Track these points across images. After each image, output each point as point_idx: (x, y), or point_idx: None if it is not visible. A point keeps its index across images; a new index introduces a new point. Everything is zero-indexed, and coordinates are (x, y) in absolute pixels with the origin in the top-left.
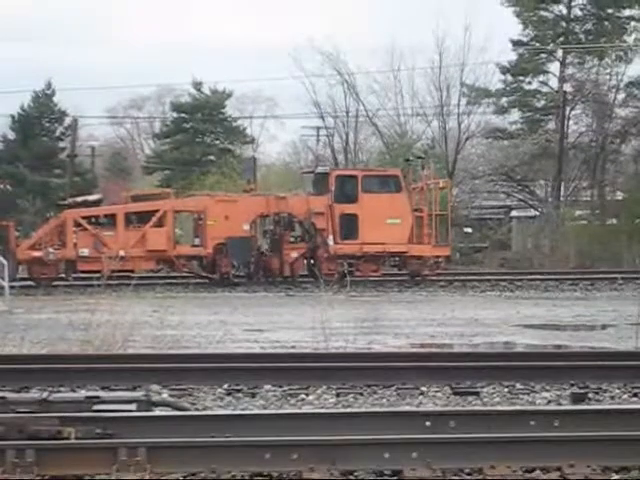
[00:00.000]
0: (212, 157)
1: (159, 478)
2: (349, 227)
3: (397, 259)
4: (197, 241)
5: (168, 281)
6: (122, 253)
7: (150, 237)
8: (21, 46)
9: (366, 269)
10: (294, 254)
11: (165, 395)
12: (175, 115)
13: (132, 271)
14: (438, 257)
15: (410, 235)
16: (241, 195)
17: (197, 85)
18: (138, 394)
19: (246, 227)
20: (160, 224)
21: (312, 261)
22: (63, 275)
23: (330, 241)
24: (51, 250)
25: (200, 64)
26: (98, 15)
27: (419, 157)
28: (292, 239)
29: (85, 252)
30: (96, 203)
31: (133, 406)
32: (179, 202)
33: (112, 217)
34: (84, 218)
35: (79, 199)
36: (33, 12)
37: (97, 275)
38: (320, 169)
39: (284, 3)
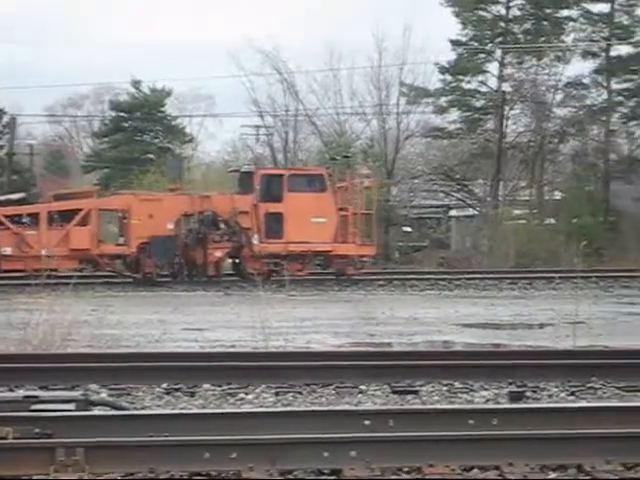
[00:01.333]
0: (151, 156)
1: (97, 478)
2: (274, 226)
3: (322, 258)
4: (121, 240)
5: (107, 280)
6: (45, 252)
7: (73, 236)
8: None
9: (291, 268)
10: (218, 253)
11: (104, 394)
12: (114, 114)
13: (56, 270)
14: (363, 256)
15: (335, 234)
16: (166, 194)
17: (136, 84)
18: (76, 394)
19: (170, 226)
20: (84, 223)
21: (237, 260)
22: None
23: (255, 240)
24: None
25: (140, 63)
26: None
27: (345, 156)
28: (217, 238)
29: (8, 251)
30: (19, 202)
31: (72, 406)
32: (103, 201)
33: (35, 216)
34: (6, 217)
35: (2, 198)
36: None
37: (36, 274)
38: (245, 168)
39: (225, 2)
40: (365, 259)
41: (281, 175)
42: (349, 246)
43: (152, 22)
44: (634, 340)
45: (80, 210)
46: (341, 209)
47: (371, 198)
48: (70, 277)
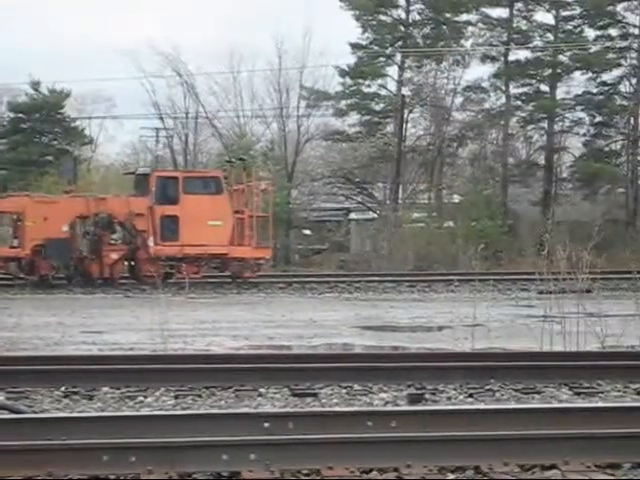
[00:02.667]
0: (50, 158)
1: None
2: (170, 228)
3: (218, 261)
4: (15, 242)
5: (4, 282)
6: None
7: None
8: None
9: (187, 270)
10: (114, 256)
11: (1, 398)
12: (12, 115)
13: None
14: (259, 259)
15: (231, 237)
16: (61, 196)
17: (35, 85)
18: None
19: (65, 228)
20: None
21: (133, 263)
22: None
23: (151, 242)
24: None
25: (40, 64)
26: None
27: (241, 159)
28: (113, 241)
29: None
30: None
31: None
32: None
33: None
34: None
35: None
36: None
37: None
38: (141, 170)
39: (125, 3)
40: (261, 262)
41: (176, 177)
42: (245, 249)
43: (53, 23)
44: (531, 342)
45: None
46: (237, 212)
47: (268, 201)
48: None
